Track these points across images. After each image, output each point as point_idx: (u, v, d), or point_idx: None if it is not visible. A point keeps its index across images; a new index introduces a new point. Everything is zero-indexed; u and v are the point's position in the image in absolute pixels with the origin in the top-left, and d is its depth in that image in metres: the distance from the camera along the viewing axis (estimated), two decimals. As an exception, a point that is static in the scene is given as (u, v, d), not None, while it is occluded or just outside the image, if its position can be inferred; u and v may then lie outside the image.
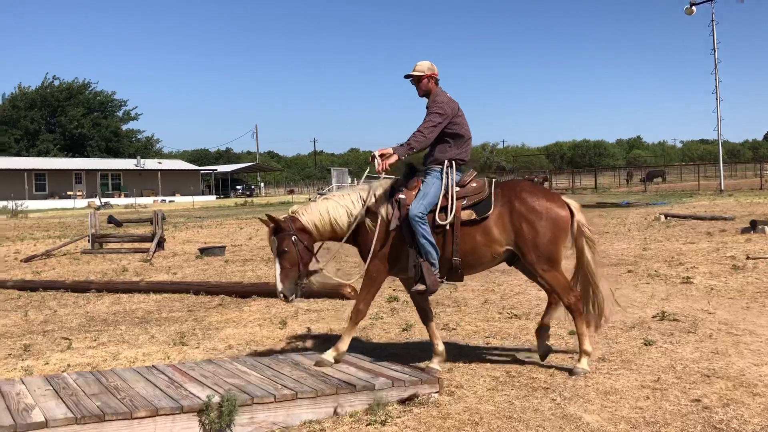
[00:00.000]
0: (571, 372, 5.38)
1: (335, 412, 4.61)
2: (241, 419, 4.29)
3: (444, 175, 5.44)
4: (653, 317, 7.21)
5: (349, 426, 4.45)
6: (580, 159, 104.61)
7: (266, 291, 9.62)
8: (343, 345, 5.42)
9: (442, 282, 5.44)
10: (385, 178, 5.52)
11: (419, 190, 5.41)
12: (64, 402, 4.26)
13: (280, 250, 5.28)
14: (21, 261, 15.84)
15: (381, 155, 5.35)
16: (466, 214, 5.36)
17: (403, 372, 5.16)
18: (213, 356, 6.33)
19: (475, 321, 7.47)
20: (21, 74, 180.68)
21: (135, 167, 61.20)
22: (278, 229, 5.32)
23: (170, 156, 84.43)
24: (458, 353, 6.16)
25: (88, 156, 67.63)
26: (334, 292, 9.13)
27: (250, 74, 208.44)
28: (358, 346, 6.39)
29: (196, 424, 4.20)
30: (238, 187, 72.85)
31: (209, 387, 4.65)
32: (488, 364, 5.80)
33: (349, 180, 49.16)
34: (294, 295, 5.32)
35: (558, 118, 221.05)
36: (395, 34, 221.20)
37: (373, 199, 5.42)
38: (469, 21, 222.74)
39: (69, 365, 6.30)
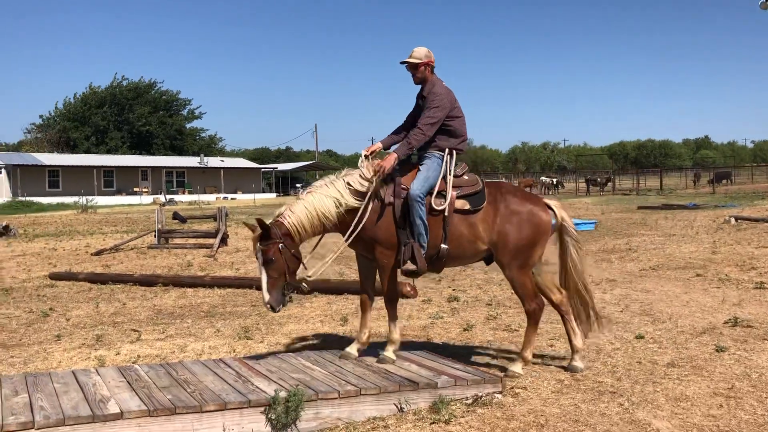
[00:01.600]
0: (506, 374, 5.35)
1: (399, 410, 4.62)
2: (307, 414, 4.34)
3: (444, 162, 5.45)
4: (725, 323, 6.97)
5: (412, 424, 4.45)
6: (644, 159, 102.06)
7: (326, 288, 9.72)
8: (396, 335, 5.52)
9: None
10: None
11: (419, 171, 5.40)
12: (137, 394, 4.39)
13: (267, 259, 5.07)
14: (91, 254, 16.41)
15: (369, 155, 5.39)
16: (460, 204, 5.38)
17: (465, 371, 5.13)
18: (276, 351, 6.43)
19: (537, 322, 7.35)
20: (92, 74, 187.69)
21: (198, 165, 62.58)
22: (265, 236, 5.13)
23: (232, 154, 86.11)
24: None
25: (153, 153, 69.52)
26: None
27: (310, 74, 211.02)
28: (419, 345, 6.40)
29: (262, 418, 4.26)
30: (298, 185, 73.67)
31: (275, 382, 4.71)
32: (552, 366, 5.71)
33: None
34: (281, 305, 5.14)
35: (622, 117, 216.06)
36: (456, 32, 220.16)
37: (364, 182, 5.32)
38: (527, 17, 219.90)
39: (139, 356, 6.49)
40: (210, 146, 79.04)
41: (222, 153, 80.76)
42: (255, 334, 7.27)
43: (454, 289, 9.56)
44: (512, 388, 5.09)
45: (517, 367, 5.43)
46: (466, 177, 5.51)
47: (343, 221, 5.32)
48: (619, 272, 10.86)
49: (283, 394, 4.31)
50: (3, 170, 51.47)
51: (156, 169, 59.85)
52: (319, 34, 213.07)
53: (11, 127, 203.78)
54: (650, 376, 5.33)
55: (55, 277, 12.40)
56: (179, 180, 61.81)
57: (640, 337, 6.50)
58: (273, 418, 4.24)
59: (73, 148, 68.05)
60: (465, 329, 7.11)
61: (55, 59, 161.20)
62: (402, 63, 5.55)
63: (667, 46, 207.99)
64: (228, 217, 19.19)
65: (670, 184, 56.09)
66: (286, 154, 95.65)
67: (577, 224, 20.28)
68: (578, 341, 5.56)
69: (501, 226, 5.37)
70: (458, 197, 5.37)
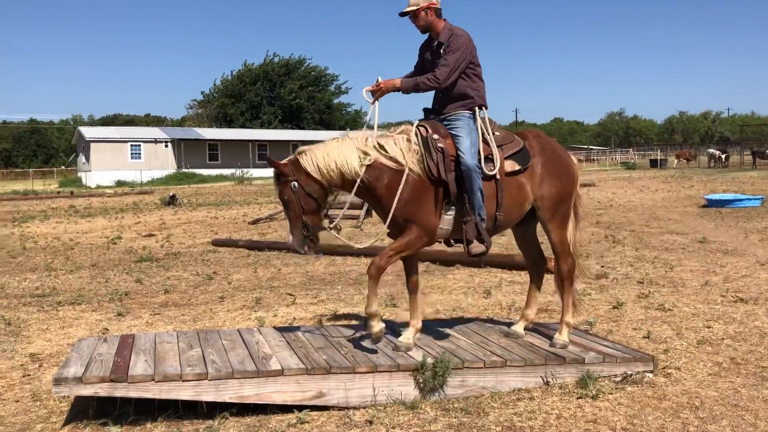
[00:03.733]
0: (551, 344, 5.03)
1: (545, 383, 4.62)
2: (453, 381, 4.46)
3: (477, 121, 4.94)
4: None
5: (558, 397, 4.45)
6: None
7: (469, 260, 9.78)
8: (417, 322, 5.07)
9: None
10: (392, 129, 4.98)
11: (456, 137, 4.81)
12: (296, 353, 4.69)
13: (281, 198, 4.71)
14: (248, 223, 17.51)
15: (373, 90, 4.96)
16: (509, 165, 4.92)
17: (614, 348, 5.03)
18: (422, 319, 6.59)
19: (693, 303, 7.02)
20: (246, 52, 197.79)
21: (344, 138, 64.47)
22: (279, 174, 4.70)
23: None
24: (673, 335, 5.86)
25: (303, 127, 72.33)
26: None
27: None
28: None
29: (411, 381, 4.43)
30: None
31: (422, 348, 4.87)
32: (709, 347, 5.45)
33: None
34: (306, 248, 4.72)
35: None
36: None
37: (400, 150, 4.71)
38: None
39: (294, 318, 6.91)
40: (355, 121, 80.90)
41: (366, 127, 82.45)
42: (401, 302, 7.49)
43: (602, 266, 9.29)
44: (665, 368, 4.92)
45: (564, 336, 5.10)
46: (497, 133, 5.01)
47: (372, 191, 4.81)
48: (787, 252, 10.04)
49: (430, 360, 4.46)
50: (169, 144, 55.70)
51: (306, 143, 62.11)
52: (458, 7, 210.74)
53: (176, 103, 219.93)
54: (822, 364, 4.95)
55: (217, 243, 13.39)
56: (327, 153, 63.94)
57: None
58: (421, 381, 4.40)
59: (229, 123, 72.20)
60: (614, 307, 6.92)
61: (214, 39, 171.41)
62: (402, 15, 4.94)
63: None
64: (373, 189, 19.64)
65: None
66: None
67: (740, 200, 18.85)
68: (569, 317, 5.21)
69: (544, 179, 5.02)
70: (505, 158, 4.92)
